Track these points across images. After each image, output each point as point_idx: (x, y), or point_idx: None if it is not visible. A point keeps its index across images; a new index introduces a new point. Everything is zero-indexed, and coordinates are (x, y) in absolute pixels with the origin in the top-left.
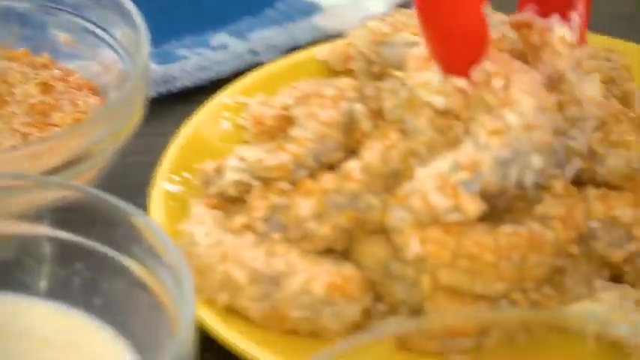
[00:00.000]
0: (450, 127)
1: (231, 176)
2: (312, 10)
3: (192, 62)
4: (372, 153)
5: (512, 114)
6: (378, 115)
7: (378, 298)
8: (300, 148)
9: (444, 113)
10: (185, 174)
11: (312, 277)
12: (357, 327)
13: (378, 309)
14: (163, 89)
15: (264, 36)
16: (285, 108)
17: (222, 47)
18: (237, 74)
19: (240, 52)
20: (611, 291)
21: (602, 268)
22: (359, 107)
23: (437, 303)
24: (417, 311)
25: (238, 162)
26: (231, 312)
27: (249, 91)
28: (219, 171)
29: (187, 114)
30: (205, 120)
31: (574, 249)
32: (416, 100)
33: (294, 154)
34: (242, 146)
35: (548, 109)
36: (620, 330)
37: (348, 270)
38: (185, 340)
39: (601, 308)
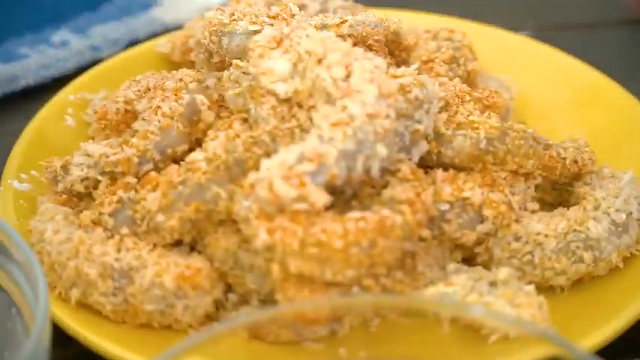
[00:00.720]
0: (293, 115)
1: (77, 172)
2: (150, 2)
3: (34, 60)
4: (215, 143)
5: (354, 104)
6: (221, 105)
7: (230, 288)
8: (144, 141)
9: (286, 101)
10: (33, 172)
11: (161, 270)
12: (210, 318)
13: (230, 300)
14: (7, 89)
15: (104, 31)
16: (129, 102)
17: (63, 44)
18: (80, 70)
19: (82, 49)
20: (464, 273)
21: (455, 251)
22: (200, 98)
23: (288, 291)
24: (268, 300)
25: (84, 158)
26: (85, 308)
27: (91, 86)
28: (65, 168)
29: (32, 112)
30: (50, 117)
31: (425, 232)
32: (258, 88)
33: (138, 148)
34: (87, 142)
35: (391, 95)
36: (475, 312)
37: (196, 261)
38: (40, 338)
39: (454, 291)
